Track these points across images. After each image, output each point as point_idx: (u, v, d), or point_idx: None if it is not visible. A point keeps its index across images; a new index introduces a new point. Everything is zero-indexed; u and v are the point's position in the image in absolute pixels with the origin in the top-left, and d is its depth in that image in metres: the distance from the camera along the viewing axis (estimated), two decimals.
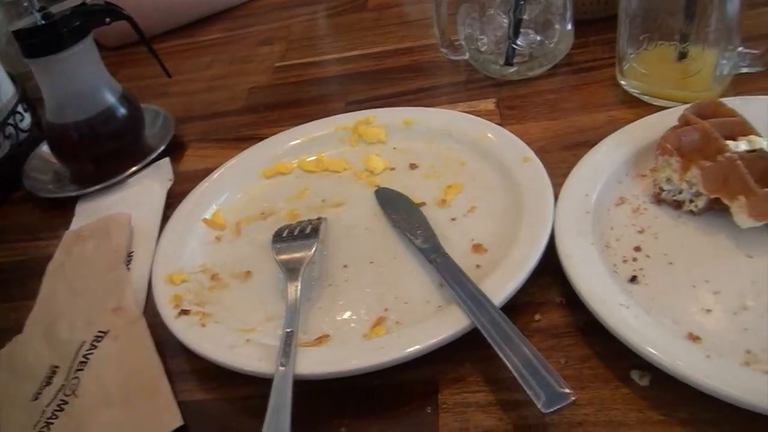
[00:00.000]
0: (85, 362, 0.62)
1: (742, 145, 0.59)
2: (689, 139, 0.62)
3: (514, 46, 0.86)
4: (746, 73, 0.75)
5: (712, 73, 0.74)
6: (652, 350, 0.48)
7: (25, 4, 0.81)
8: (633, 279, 0.56)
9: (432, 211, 0.68)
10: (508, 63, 0.87)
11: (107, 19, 0.85)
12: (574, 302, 0.55)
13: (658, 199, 0.63)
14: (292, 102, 0.98)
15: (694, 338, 0.51)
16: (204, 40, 1.28)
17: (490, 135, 0.75)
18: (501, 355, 0.50)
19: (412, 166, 0.76)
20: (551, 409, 0.45)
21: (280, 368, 0.52)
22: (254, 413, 0.51)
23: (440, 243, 0.63)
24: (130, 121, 0.90)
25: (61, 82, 0.84)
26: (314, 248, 0.64)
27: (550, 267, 0.59)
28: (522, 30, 0.85)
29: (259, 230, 0.71)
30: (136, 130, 0.92)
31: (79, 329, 0.65)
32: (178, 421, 0.55)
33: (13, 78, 1.00)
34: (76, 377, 0.60)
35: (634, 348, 0.49)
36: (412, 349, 0.53)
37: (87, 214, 0.84)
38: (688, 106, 0.65)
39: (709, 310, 0.53)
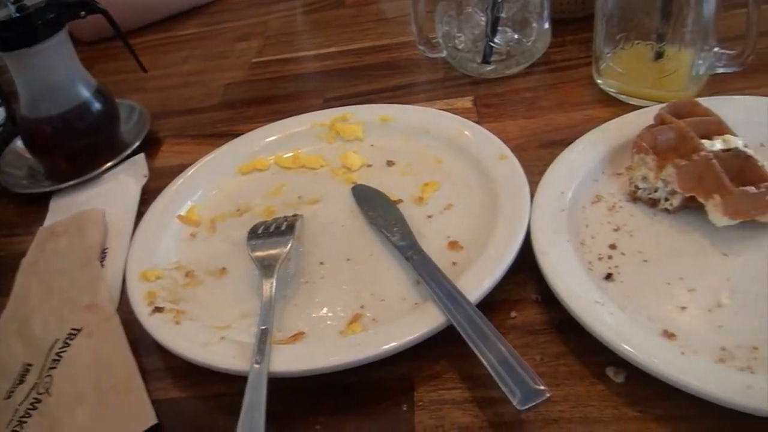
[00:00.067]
0: (59, 360, 0.61)
1: (717, 145, 0.59)
2: (665, 138, 0.62)
3: (492, 45, 0.86)
4: (722, 73, 0.75)
5: (688, 72, 0.75)
6: (627, 347, 0.49)
7: None
8: (608, 276, 0.57)
9: (409, 209, 0.68)
10: (486, 61, 0.87)
11: (82, 13, 0.84)
12: (549, 299, 0.56)
13: (634, 197, 0.64)
14: (268, 98, 0.98)
15: (669, 335, 0.51)
16: (180, 35, 1.27)
17: (467, 133, 0.75)
18: (477, 352, 0.50)
19: (389, 164, 0.76)
20: (526, 406, 0.45)
21: (255, 366, 0.52)
22: (229, 411, 0.51)
23: (417, 240, 0.63)
24: (105, 116, 0.89)
25: (35, 75, 0.83)
26: (290, 245, 0.64)
27: (525, 264, 0.59)
28: (499, 28, 0.85)
29: (234, 227, 0.71)
30: (111, 125, 0.91)
31: (52, 326, 0.64)
32: (152, 420, 0.54)
33: None
34: (50, 375, 0.60)
35: (610, 345, 0.49)
36: (388, 346, 0.52)
37: (61, 209, 0.83)
38: (664, 105, 0.66)
39: (684, 308, 0.53)
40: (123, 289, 0.67)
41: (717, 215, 0.57)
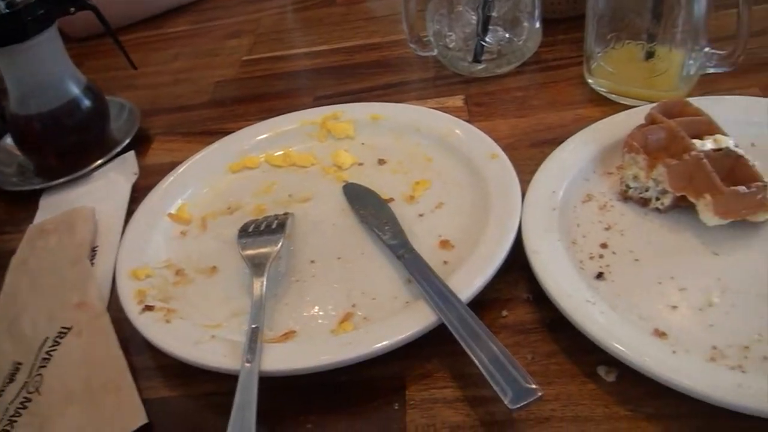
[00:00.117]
0: (48, 359, 0.61)
1: (708, 144, 0.59)
2: (656, 137, 0.62)
3: (483, 43, 0.86)
4: (713, 73, 0.75)
5: (678, 72, 0.75)
6: (618, 346, 0.49)
7: None
8: (599, 275, 0.57)
9: (400, 207, 0.68)
10: (477, 60, 0.87)
11: (72, 9, 0.84)
12: (540, 298, 0.56)
13: (625, 197, 0.64)
14: (259, 96, 0.97)
15: (660, 334, 0.51)
16: (171, 32, 1.26)
17: (458, 131, 0.75)
18: (468, 351, 0.50)
19: (381, 162, 0.76)
20: (518, 405, 0.45)
21: (246, 364, 0.52)
22: (220, 410, 0.51)
23: (408, 239, 0.63)
24: (95, 113, 0.89)
25: (24, 72, 0.82)
26: (280, 243, 0.63)
27: (517, 263, 0.59)
28: (490, 27, 0.85)
29: (225, 225, 0.71)
30: (101, 122, 0.90)
31: (42, 325, 0.64)
32: (143, 419, 0.54)
33: None
34: (39, 374, 0.59)
35: (601, 344, 0.50)
36: (379, 345, 0.52)
37: (51, 207, 0.82)
38: (654, 105, 0.66)
39: (675, 307, 0.53)
40: (113, 288, 0.66)
41: (708, 215, 0.57)
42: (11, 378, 0.60)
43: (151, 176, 0.81)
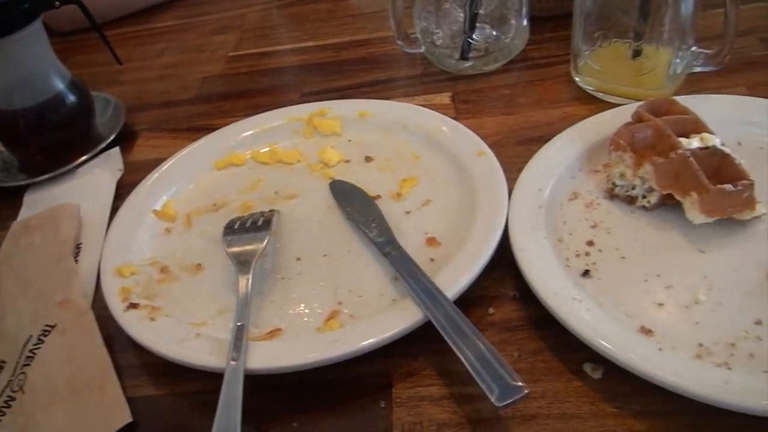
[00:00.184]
0: (32, 357, 0.60)
1: (694, 143, 0.60)
2: (642, 135, 0.62)
3: (470, 41, 0.86)
4: (699, 72, 0.76)
5: (665, 71, 0.75)
6: (604, 343, 0.49)
7: None
8: (585, 273, 0.57)
9: (387, 205, 0.68)
10: (464, 57, 0.87)
11: (57, 3, 0.82)
12: (527, 296, 0.56)
13: (611, 195, 0.64)
14: (245, 92, 0.97)
15: (646, 331, 0.51)
16: (157, 27, 1.25)
17: (444, 129, 0.75)
18: (454, 348, 0.50)
19: (368, 159, 0.75)
20: (504, 403, 0.45)
21: (231, 362, 0.52)
22: (205, 408, 0.50)
23: (395, 236, 0.63)
24: (80, 108, 0.88)
25: (8, 66, 0.81)
26: (266, 241, 0.63)
27: (503, 261, 0.59)
28: (478, 25, 0.85)
29: (210, 222, 0.70)
30: (86, 118, 0.90)
31: (26, 323, 0.63)
32: (127, 418, 0.54)
33: None
34: (23, 373, 0.59)
35: (587, 341, 0.50)
36: (365, 342, 0.52)
37: (35, 204, 0.82)
38: (641, 103, 0.66)
39: (661, 304, 0.53)
40: (97, 285, 0.66)
41: (694, 213, 0.58)
42: None
43: (136, 173, 0.80)
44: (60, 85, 0.85)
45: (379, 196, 0.69)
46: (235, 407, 0.48)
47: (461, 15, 0.85)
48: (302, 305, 0.60)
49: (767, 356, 0.48)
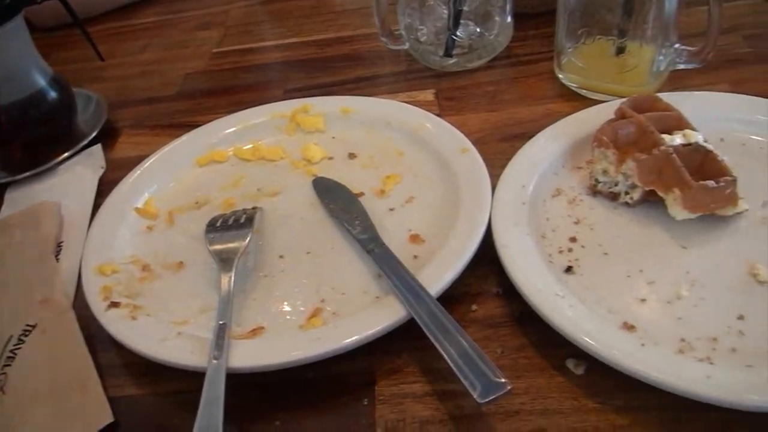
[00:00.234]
0: (13, 357, 0.59)
1: (677, 139, 0.60)
2: (625, 132, 0.62)
3: (454, 38, 0.86)
4: (683, 69, 0.76)
5: (649, 68, 0.75)
6: (587, 339, 0.49)
7: None
8: (568, 269, 0.57)
9: (370, 202, 0.68)
10: (448, 54, 0.87)
11: None
12: (510, 292, 0.56)
13: (594, 191, 0.64)
14: (228, 89, 0.96)
15: (628, 327, 0.51)
16: (139, 23, 1.24)
17: (428, 126, 0.74)
18: (437, 345, 0.50)
19: (351, 156, 0.75)
20: (487, 399, 0.45)
21: (213, 361, 0.51)
22: (187, 408, 0.50)
23: (378, 233, 0.62)
24: (62, 105, 0.87)
25: None
26: (249, 238, 0.63)
27: (486, 258, 0.59)
28: (462, 21, 0.85)
29: (192, 220, 0.70)
30: (68, 115, 0.89)
31: (6, 323, 0.63)
32: (109, 418, 0.53)
33: None
34: (4, 373, 0.58)
35: (570, 337, 0.50)
36: (348, 340, 0.52)
37: (16, 202, 0.81)
38: (624, 100, 0.66)
39: (643, 300, 0.54)
40: (79, 284, 0.65)
41: (677, 209, 0.58)
42: None
43: (118, 170, 0.80)
44: (41, 82, 0.84)
45: (362, 193, 0.69)
46: (217, 406, 0.48)
47: (445, 12, 0.85)
48: (285, 303, 0.59)
49: (749, 351, 0.49)
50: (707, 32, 0.71)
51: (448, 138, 0.72)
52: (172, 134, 0.82)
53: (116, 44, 1.16)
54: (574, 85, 0.80)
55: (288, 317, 0.58)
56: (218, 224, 0.65)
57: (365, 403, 0.52)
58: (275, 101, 0.84)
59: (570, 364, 0.51)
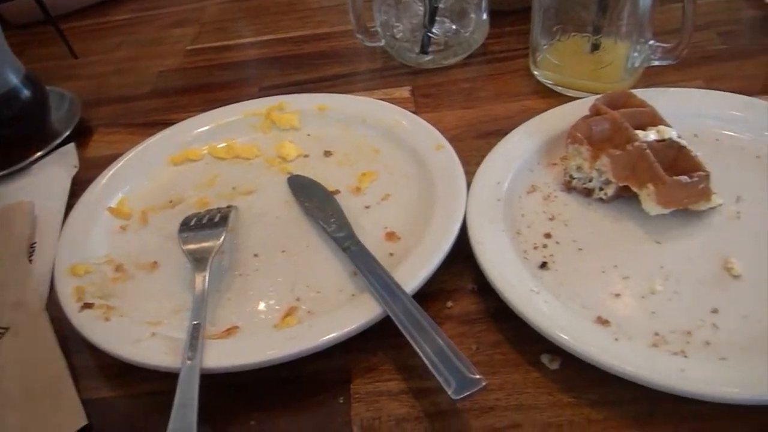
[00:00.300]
0: None
1: (651, 135, 0.60)
2: (599, 128, 0.63)
3: (430, 35, 0.86)
4: (657, 66, 0.76)
5: (623, 65, 0.75)
6: (561, 334, 0.49)
7: None
8: (543, 265, 0.57)
9: (346, 199, 0.68)
10: (424, 51, 0.87)
11: None
12: (485, 289, 0.56)
13: (569, 187, 0.64)
14: (203, 86, 0.96)
15: (603, 322, 0.52)
16: (114, 20, 1.23)
17: (404, 123, 0.74)
18: (412, 343, 0.50)
19: (327, 154, 0.75)
20: (461, 395, 0.45)
21: (187, 362, 0.51)
22: (162, 409, 0.49)
23: (354, 231, 0.62)
24: (35, 104, 0.86)
25: None
26: (223, 237, 0.62)
27: (462, 254, 0.59)
28: (437, 18, 0.85)
29: (166, 219, 0.69)
30: (41, 113, 0.88)
31: None
32: (83, 421, 0.53)
33: None
34: None
35: (544, 333, 0.50)
36: (323, 339, 0.52)
37: None
38: (599, 96, 0.66)
39: (618, 295, 0.54)
40: (52, 285, 0.64)
41: (650, 204, 0.58)
42: None
43: (91, 169, 0.78)
44: (14, 80, 0.83)
45: (338, 191, 0.69)
46: (191, 407, 0.48)
47: (421, 8, 0.85)
48: (260, 302, 0.59)
49: (723, 344, 0.49)
50: (681, 29, 0.71)
51: (423, 135, 0.71)
52: (146, 133, 0.81)
53: (90, 41, 1.14)
54: (550, 82, 0.80)
55: (263, 316, 0.58)
56: (192, 223, 0.65)
57: (341, 401, 0.52)
58: (250, 99, 0.84)
59: (545, 359, 0.51)
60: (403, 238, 0.62)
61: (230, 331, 0.56)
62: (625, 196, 0.61)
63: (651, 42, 0.75)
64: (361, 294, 0.56)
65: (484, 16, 0.88)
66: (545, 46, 0.79)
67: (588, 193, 0.63)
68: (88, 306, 0.58)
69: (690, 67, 0.79)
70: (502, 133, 0.69)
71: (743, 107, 0.68)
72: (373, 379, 0.53)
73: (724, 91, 0.70)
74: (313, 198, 0.68)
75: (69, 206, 0.75)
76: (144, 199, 0.72)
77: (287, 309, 0.58)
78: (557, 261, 0.57)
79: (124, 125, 0.90)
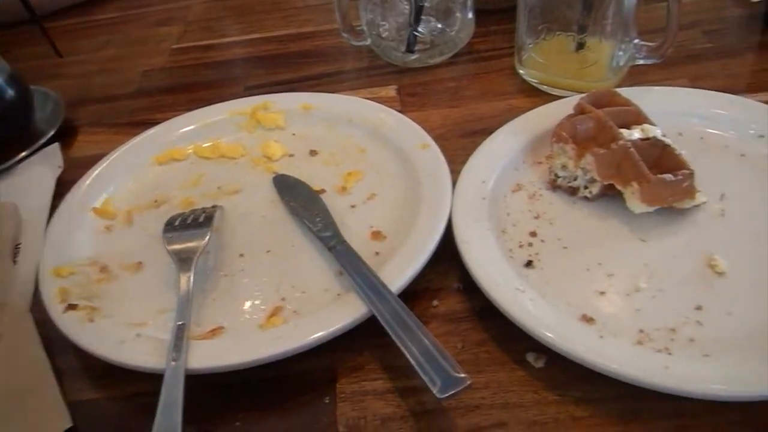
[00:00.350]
0: None
1: (635, 134, 0.60)
2: (584, 127, 0.63)
3: (416, 33, 0.86)
4: (642, 64, 0.77)
5: (608, 63, 0.76)
6: (546, 333, 0.49)
7: None
8: (528, 263, 0.57)
9: (332, 199, 0.67)
10: (410, 50, 0.87)
11: None
12: (471, 287, 0.56)
13: (554, 186, 0.64)
14: (188, 86, 0.95)
15: (588, 320, 0.52)
16: (99, 19, 1.22)
17: (390, 122, 0.74)
18: (398, 343, 0.49)
19: (312, 153, 0.75)
20: (447, 394, 0.45)
21: (172, 363, 0.51)
22: (147, 410, 0.49)
23: (339, 230, 0.62)
24: (19, 103, 0.86)
25: None
26: (208, 237, 0.62)
27: (447, 253, 0.59)
28: (423, 17, 0.85)
29: (151, 219, 0.69)
30: (25, 113, 0.87)
31: None
32: (67, 423, 0.52)
33: None
34: None
35: (530, 331, 0.50)
36: (309, 338, 0.52)
37: None
38: (584, 95, 0.66)
39: (602, 293, 0.54)
40: (37, 287, 0.63)
41: (635, 202, 0.58)
42: None
43: (76, 169, 0.78)
44: None
45: (323, 190, 0.69)
46: (176, 408, 0.47)
47: (407, 7, 0.85)
48: (245, 302, 0.59)
49: (707, 341, 0.49)
50: (666, 28, 0.72)
51: (409, 134, 0.71)
52: (131, 132, 0.81)
53: (75, 40, 1.14)
54: (535, 81, 0.80)
55: (248, 316, 0.57)
56: (176, 223, 0.64)
57: (326, 401, 0.52)
58: (236, 98, 0.83)
59: (530, 357, 0.52)
60: (389, 237, 0.62)
61: (215, 332, 0.56)
62: (610, 195, 0.61)
63: (636, 41, 0.75)
64: (347, 293, 0.56)
65: (470, 15, 0.88)
66: (530, 45, 0.79)
67: (573, 191, 0.63)
68: (72, 307, 0.58)
69: (675, 65, 0.79)
70: (487, 131, 0.69)
71: (728, 106, 0.69)
72: (358, 378, 0.53)
73: (708, 89, 0.71)
74: (298, 197, 0.68)
75: (53, 206, 0.74)
76: (129, 199, 0.72)
77: (272, 309, 0.57)
78: (542, 259, 0.57)
79: (109, 125, 0.89)
